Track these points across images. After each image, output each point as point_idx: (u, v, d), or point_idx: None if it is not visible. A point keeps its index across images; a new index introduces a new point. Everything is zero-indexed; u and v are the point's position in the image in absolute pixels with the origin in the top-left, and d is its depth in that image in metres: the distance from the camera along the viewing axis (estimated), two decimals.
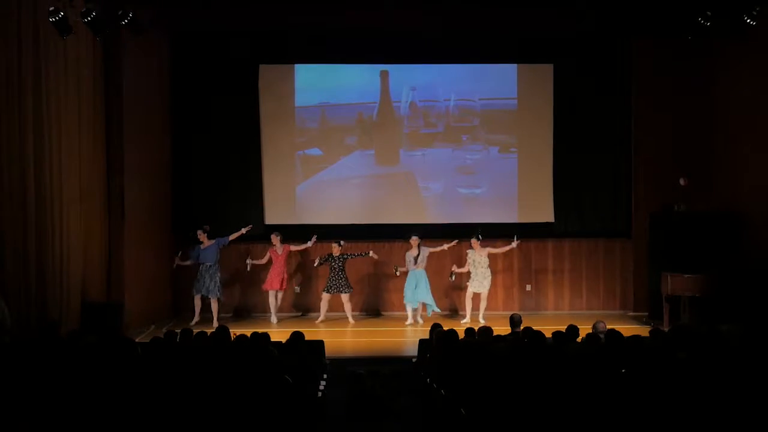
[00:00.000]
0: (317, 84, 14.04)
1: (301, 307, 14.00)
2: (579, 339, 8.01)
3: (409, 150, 14.12)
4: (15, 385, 5.91)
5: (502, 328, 9.17)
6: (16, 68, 9.48)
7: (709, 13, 11.45)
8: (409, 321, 12.90)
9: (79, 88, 10.94)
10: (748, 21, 10.98)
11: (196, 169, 13.78)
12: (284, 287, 13.11)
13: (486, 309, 12.93)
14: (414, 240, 12.89)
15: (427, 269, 12.89)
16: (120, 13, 10.66)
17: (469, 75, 14.14)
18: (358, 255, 13.16)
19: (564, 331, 8.08)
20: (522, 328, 8.56)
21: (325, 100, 14.07)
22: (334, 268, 12.90)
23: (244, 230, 12.96)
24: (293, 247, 13.20)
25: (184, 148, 13.76)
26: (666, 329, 10.01)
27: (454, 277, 13.04)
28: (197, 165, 13.79)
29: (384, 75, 14.01)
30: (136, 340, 8.42)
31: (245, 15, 13.00)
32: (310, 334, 8.65)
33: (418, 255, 12.83)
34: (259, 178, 13.93)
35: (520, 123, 14.15)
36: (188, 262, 12.87)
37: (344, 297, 13.00)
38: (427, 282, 12.81)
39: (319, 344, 9.10)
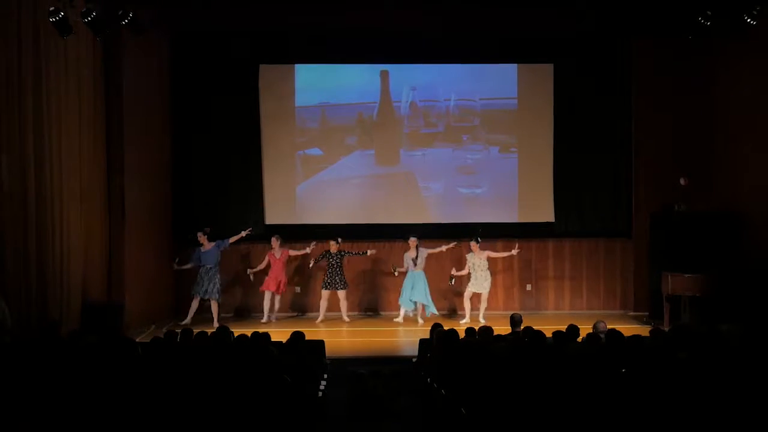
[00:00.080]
0: (317, 84, 14.04)
1: (301, 308, 14.00)
2: (579, 339, 8.00)
3: (409, 150, 14.12)
4: (15, 385, 5.91)
5: (502, 328, 9.16)
6: (17, 68, 9.48)
7: (709, 12, 11.44)
8: (399, 319, 12.92)
9: (80, 88, 10.94)
10: (748, 20, 10.97)
11: (197, 169, 13.79)
12: (281, 291, 13.09)
13: (486, 309, 12.93)
14: (412, 241, 12.89)
15: (426, 271, 12.88)
16: (120, 13, 10.65)
17: (470, 75, 14.14)
18: (356, 254, 13.17)
19: (564, 330, 8.08)
20: (522, 327, 8.56)
21: (326, 100, 14.07)
22: (332, 265, 12.95)
23: (244, 233, 12.97)
24: (292, 252, 13.20)
25: (185, 148, 13.76)
26: (666, 329, 10.01)
27: (453, 281, 13.05)
28: (197, 165, 13.79)
29: (384, 75, 14.01)
30: (137, 340, 8.41)
31: (245, 15, 13.00)
32: (310, 334, 8.64)
33: (417, 256, 12.83)
34: (260, 178, 13.93)
35: (521, 123, 14.15)
36: (188, 266, 12.87)
37: (340, 294, 13.02)
38: (426, 284, 12.81)
39: (320, 344, 9.10)
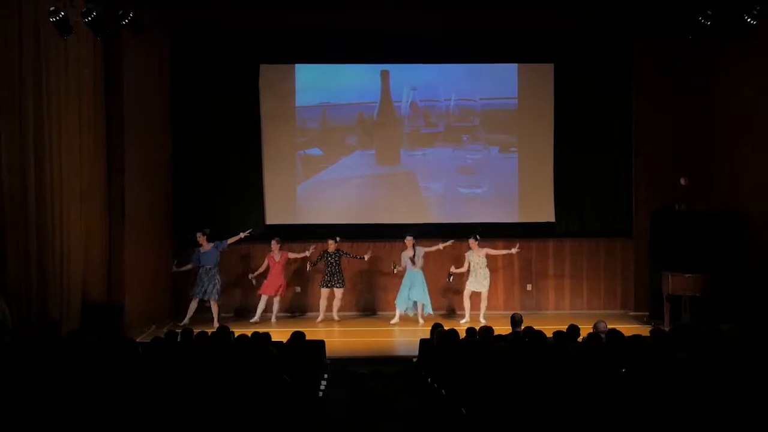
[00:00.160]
0: (318, 84, 14.04)
1: (301, 308, 14.00)
2: (580, 339, 8.01)
3: (409, 150, 14.12)
4: (15, 385, 5.91)
5: (503, 328, 9.16)
6: (17, 68, 9.47)
7: (709, 12, 11.45)
8: (395, 320, 12.91)
9: (80, 88, 10.93)
10: (749, 20, 10.97)
11: (197, 169, 13.80)
12: (280, 294, 13.07)
13: (487, 309, 12.93)
14: (409, 240, 12.89)
15: (424, 270, 12.89)
16: (120, 13, 10.65)
17: (470, 75, 14.14)
18: (353, 256, 13.18)
19: (565, 330, 8.08)
20: (523, 327, 8.56)
21: (326, 100, 14.07)
22: (330, 264, 12.98)
23: (242, 234, 12.96)
24: (291, 255, 13.18)
25: (185, 148, 13.77)
26: (667, 329, 10.01)
27: (452, 278, 13.04)
28: (198, 165, 13.80)
29: (384, 75, 14.02)
30: (137, 340, 8.41)
31: (246, 15, 13.01)
32: (310, 334, 8.63)
33: (414, 255, 12.83)
34: (260, 178, 13.93)
35: (521, 123, 14.16)
36: (187, 267, 12.87)
37: (337, 292, 13.06)
38: (424, 283, 12.82)
39: (320, 344, 9.10)
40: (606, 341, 7.54)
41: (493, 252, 13.05)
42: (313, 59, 13.98)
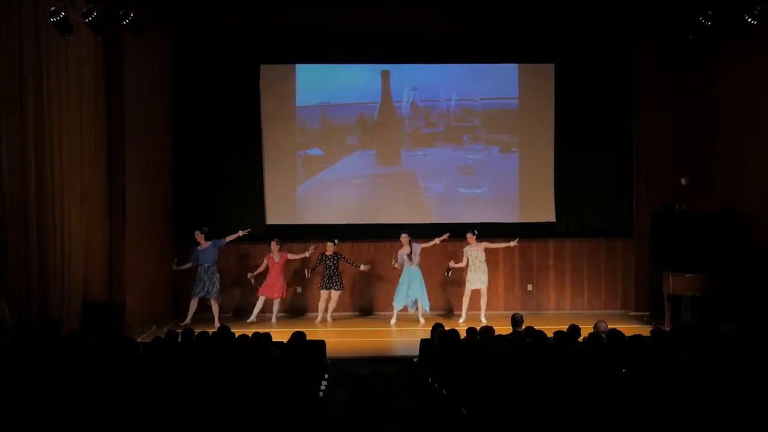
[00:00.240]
0: (318, 84, 14.05)
1: (301, 308, 14.00)
2: (580, 339, 8.01)
3: (410, 150, 14.13)
4: (16, 385, 5.91)
5: (503, 328, 9.16)
6: (18, 68, 9.49)
7: (710, 12, 11.44)
8: (393, 321, 12.91)
9: (81, 88, 10.94)
10: (749, 20, 10.96)
11: (197, 169, 13.80)
12: (279, 295, 13.05)
13: (487, 309, 12.93)
14: (404, 237, 12.89)
15: (421, 267, 12.89)
16: (121, 13, 10.65)
17: (470, 75, 14.14)
18: (351, 262, 13.18)
19: (565, 330, 8.08)
20: (523, 327, 8.56)
21: (326, 100, 14.07)
22: (329, 266, 12.99)
23: (241, 233, 12.94)
24: (291, 256, 13.17)
25: (185, 148, 13.77)
26: (667, 329, 10.01)
27: (450, 273, 13.04)
28: (198, 165, 13.81)
29: (385, 75, 14.02)
30: (138, 340, 8.42)
31: (246, 15, 13.01)
32: (310, 334, 8.64)
33: (411, 252, 12.83)
34: (260, 178, 13.94)
35: (521, 123, 14.16)
36: (187, 266, 12.88)
37: (333, 294, 13.06)
38: (422, 280, 12.83)
39: (320, 344, 9.10)
40: (607, 341, 7.55)
41: (491, 245, 13.03)
42: (314, 59, 13.98)
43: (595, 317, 9.51)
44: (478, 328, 8.72)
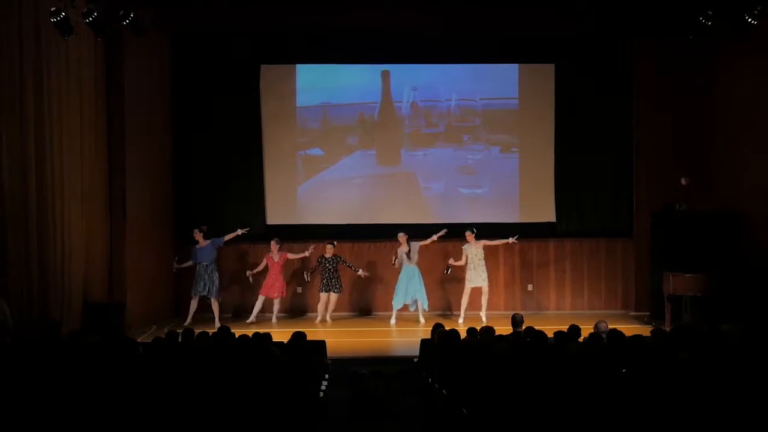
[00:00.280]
0: (318, 84, 14.05)
1: (301, 308, 14.00)
2: (581, 339, 8.01)
3: (410, 150, 14.13)
4: (16, 385, 5.91)
5: (503, 328, 9.16)
6: (18, 68, 9.48)
7: (710, 12, 11.43)
8: (392, 321, 12.91)
9: (81, 89, 10.94)
10: (749, 20, 10.96)
11: (198, 169, 13.81)
12: (278, 295, 13.03)
13: (488, 309, 12.93)
14: (402, 236, 12.89)
15: (419, 266, 12.90)
16: (121, 13, 10.65)
17: (471, 75, 14.14)
18: (350, 266, 13.18)
19: (566, 330, 8.08)
20: (524, 327, 8.57)
21: (327, 100, 14.08)
22: (328, 269, 12.98)
23: (240, 231, 12.91)
24: (290, 256, 13.16)
25: (186, 148, 13.78)
26: (668, 329, 10.01)
27: (449, 270, 13.03)
28: (198, 165, 13.81)
29: (385, 75, 14.02)
30: (138, 341, 8.43)
31: (246, 15, 13.01)
32: (310, 334, 8.64)
33: (410, 250, 12.84)
34: (261, 179, 13.94)
35: (522, 123, 14.16)
36: (188, 264, 12.88)
37: (332, 296, 13.07)
38: (421, 278, 12.85)
39: (321, 344, 9.10)
40: (607, 341, 7.55)
41: (490, 243, 13.02)
42: (314, 59, 13.99)
43: (596, 317, 9.51)
44: (478, 328, 8.72)
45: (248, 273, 13.12)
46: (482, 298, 12.88)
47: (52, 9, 9.54)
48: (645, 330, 9.94)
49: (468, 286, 12.90)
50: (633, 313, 13.70)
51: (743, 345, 7.20)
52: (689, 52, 13.17)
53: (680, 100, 13.45)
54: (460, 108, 14.14)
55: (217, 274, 12.79)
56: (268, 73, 14.01)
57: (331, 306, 13.13)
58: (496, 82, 14.15)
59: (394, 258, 13.00)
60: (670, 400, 5.59)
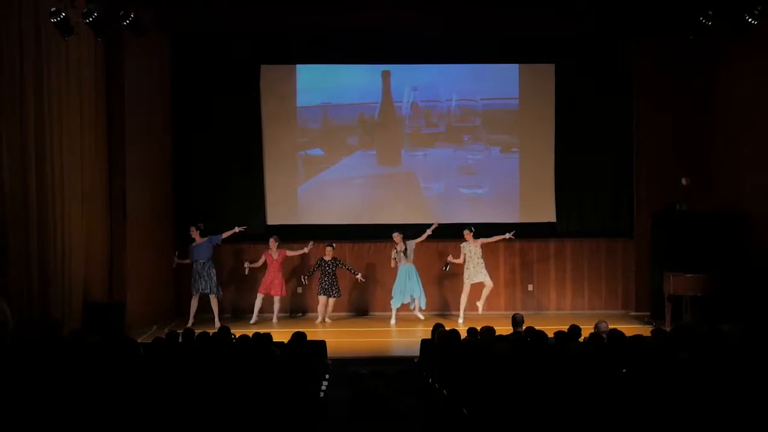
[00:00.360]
0: (319, 84, 14.05)
1: (301, 308, 14.01)
2: (581, 339, 8.00)
3: (410, 150, 14.13)
4: (17, 385, 5.91)
5: (504, 328, 9.15)
6: (18, 68, 9.49)
7: (710, 12, 11.43)
8: (392, 321, 12.91)
9: (81, 89, 10.95)
10: (749, 20, 10.96)
11: (198, 170, 13.81)
12: (278, 293, 13.00)
13: (488, 309, 12.94)
14: (397, 236, 12.90)
15: (416, 265, 12.91)
16: (121, 13, 10.65)
17: (471, 75, 14.15)
18: (349, 269, 13.17)
19: (566, 330, 8.08)
20: (524, 327, 8.56)
21: (327, 101, 14.08)
22: (327, 273, 12.96)
23: (237, 229, 12.88)
24: (289, 253, 13.14)
25: (186, 148, 13.78)
26: (668, 329, 10.01)
27: (448, 268, 13.02)
28: (199, 165, 13.82)
29: (385, 75, 14.02)
30: (138, 341, 8.43)
31: (246, 15, 13.00)
32: (311, 334, 8.63)
33: (406, 249, 12.84)
34: (261, 179, 13.94)
35: (522, 123, 14.16)
36: (187, 261, 12.88)
37: (330, 300, 13.08)
38: (418, 277, 12.87)
39: (321, 344, 9.10)
40: (607, 341, 7.54)
41: (487, 240, 13.00)
42: (314, 59, 13.99)
43: (596, 317, 9.51)
44: (478, 327, 8.72)
45: (246, 264, 13.00)
46: (483, 290, 12.87)
47: (52, 9, 9.55)
48: (645, 330, 9.93)
49: (467, 284, 12.90)
50: (633, 313, 13.70)
51: (743, 345, 7.19)
52: (689, 52, 13.17)
53: (680, 100, 13.45)
54: (461, 108, 14.14)
55: (214, 271, 12.75)
56: (268, 73, 14.02)
57: (329, 308, 13.14)
58: (497, 82, 14.15)
59: (394, 254, 12.99)
60: (671, 400, 5.59)
